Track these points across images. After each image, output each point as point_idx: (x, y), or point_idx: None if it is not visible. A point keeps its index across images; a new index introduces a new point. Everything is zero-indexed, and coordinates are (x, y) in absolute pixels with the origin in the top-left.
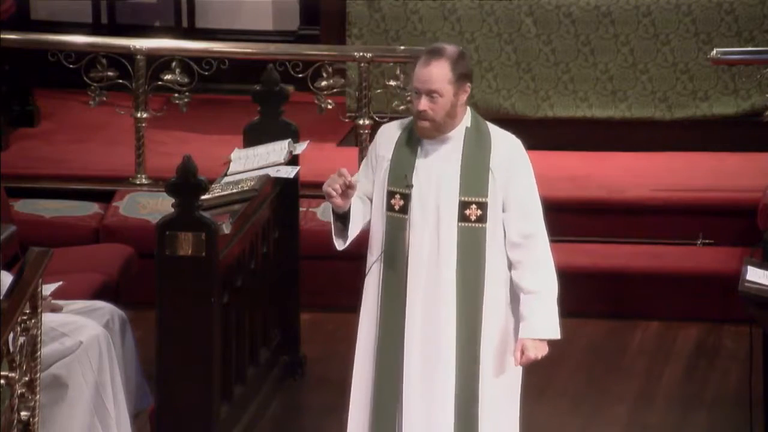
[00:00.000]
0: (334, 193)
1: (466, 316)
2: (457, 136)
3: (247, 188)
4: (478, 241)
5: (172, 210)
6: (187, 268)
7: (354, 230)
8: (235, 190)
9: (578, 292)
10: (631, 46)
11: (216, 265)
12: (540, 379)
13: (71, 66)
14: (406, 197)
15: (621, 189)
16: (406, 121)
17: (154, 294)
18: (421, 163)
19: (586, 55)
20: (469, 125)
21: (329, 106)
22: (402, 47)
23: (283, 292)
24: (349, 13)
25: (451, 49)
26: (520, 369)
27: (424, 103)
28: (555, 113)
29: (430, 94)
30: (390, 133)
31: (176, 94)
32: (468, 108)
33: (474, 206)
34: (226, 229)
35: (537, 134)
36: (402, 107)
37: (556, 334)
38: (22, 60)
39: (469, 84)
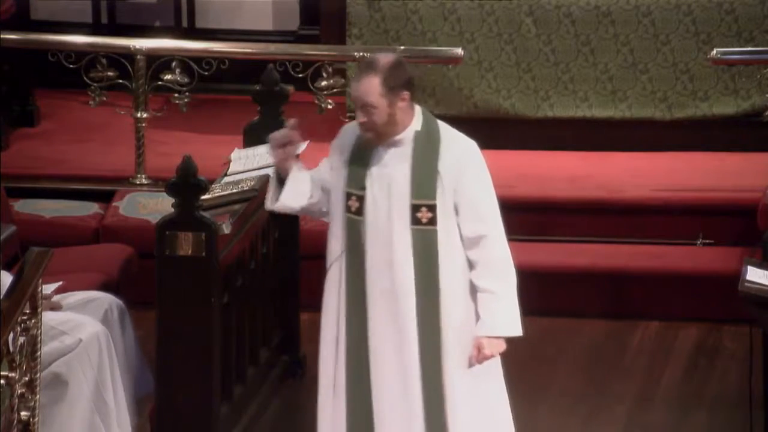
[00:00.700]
0: (273, 144)
1: (426, 317)
2: (406, 139)
3: (247, 188)
4: (430, 243)
5: (172, 210)
6: (187, 268)
7: (289, 194)
8: (235, 190)
9: (578, 292)
10: (631, 46)
11: (216, 265)
12: (540, 379)
13: (71, 66)
14: (361, 199)
15: (621, 189)
16: None
17: (154, 294)
18: (374, 166)
19: (586, 55)
20: (419, 128)
21: (329, 106)
22: (402, 47)
23: (283, 292)
24: (349, 13)
25: (384, 60)
26: (496, 363)
27: (361, 116)
28: (555, 113)
29: (365, 107)
30: (350, 134)
31: (176, 94)
32: (419, 110)
33: (424, 209)
34: (226, 229)
35: (537, 134)
36: None
37: (514, 331)
38: (22, 60)
39: (406, 92)
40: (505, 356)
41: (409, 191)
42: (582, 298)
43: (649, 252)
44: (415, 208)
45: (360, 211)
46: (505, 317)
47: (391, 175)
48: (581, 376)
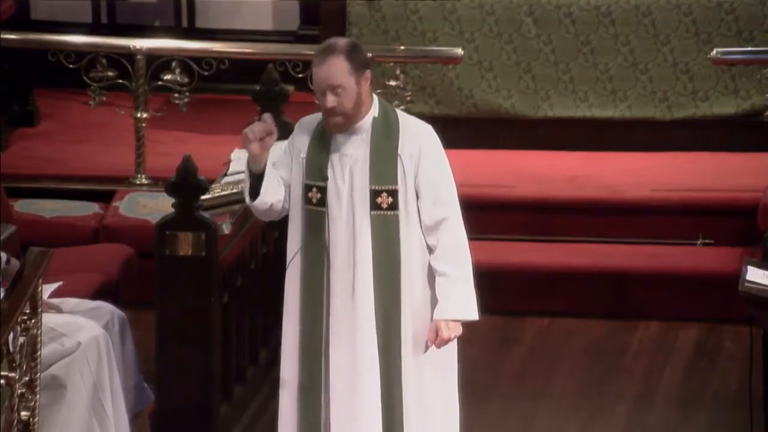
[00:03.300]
0: (251, 137)
1: (384, 303)
2: (365, 126)
3: None
4: (391, 228)
5: (172, 210)
6: (187, 268)
7: (267, 192)
8: (235, 190)
9: (578, 292)
10: (631, 46)
11: (216, 265)
12: (540, 379)
13: (71, 66)
14: (323, 190)
15: (621, 189)
16: (319, 115)
17: (154, 294)
18: (334, 156)
19: (586, 55)
20: (377, 115)
21: None
22: (402, 47)
23: (283, 292)
24: (349, 13)
25: (342, 42)
26: (451, 349)
27: (331, 100)
28: (555, 113)
29: (334, 89)
30: (306, 127)
31: (176, 94)
32: (376, 98)
33: (385, 194)
34: (226, 229)
35: (537, 134)
36: (402, 107)
37: (471, 315)
38: (22, 60)
39: (368, 71)
40: (505, 356)
41: (368, 176)
42: (582, 298)
43: (649, 252)
44: (374, 194)
45: (322, 202)
46: (463, 301)
47: (351, 163)
48: (581, 376)
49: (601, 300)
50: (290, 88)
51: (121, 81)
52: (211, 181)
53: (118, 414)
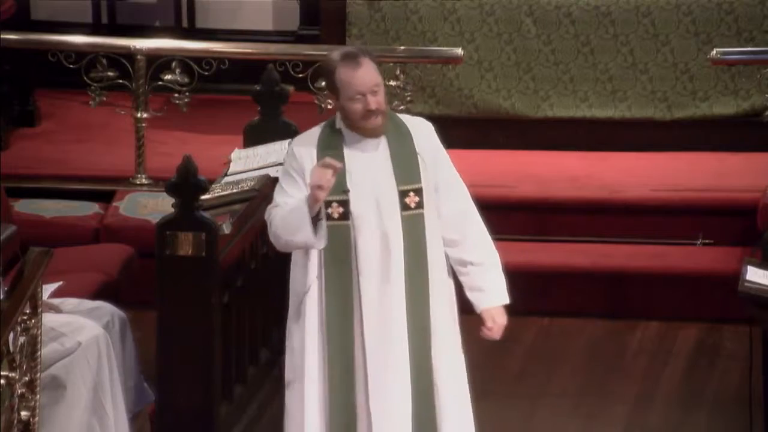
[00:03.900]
0: (326, 186)
1: (416, 305)
2: None
3: (247, 188)
4: (419, 227)
5: (172, 210)
6: (187, 268)
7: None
8: (235, 190)
9: (578, 292)
10: (631, 46)
11: (216, 265)
12: (540, 379)
13: (71, 66)
14: (345, 203)
15: (621, 189)
16: (314, 131)
17: (154, 294)
18: (351, 166)
19: (586, 55)
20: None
21: (329, 106)
22: (402, 47)
23: (283, 292)
24: (349, 13)
25: (357, 47)
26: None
27: (373, 101)
28: (555, 113)
29: (374, 90)
30: (305, 147)
31: (176, 94)
32: None
33: (412, 193)
34: (226, 229)
35: (537, 134)
36: (402, 107)
37: (507, 299)
38: (22, 60)
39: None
40: (505, 356)
41: (395, 178)
42: (582, 298)
43: (649, 252)
44: (403, 194)
45: (345, 215)
46: (503, 288)
47: (373, 168)
48: (581, 376)
49: (601, 300)
50: (290, 88)
51: (121, 81)
52: (211, 181)
53: (118, 414)
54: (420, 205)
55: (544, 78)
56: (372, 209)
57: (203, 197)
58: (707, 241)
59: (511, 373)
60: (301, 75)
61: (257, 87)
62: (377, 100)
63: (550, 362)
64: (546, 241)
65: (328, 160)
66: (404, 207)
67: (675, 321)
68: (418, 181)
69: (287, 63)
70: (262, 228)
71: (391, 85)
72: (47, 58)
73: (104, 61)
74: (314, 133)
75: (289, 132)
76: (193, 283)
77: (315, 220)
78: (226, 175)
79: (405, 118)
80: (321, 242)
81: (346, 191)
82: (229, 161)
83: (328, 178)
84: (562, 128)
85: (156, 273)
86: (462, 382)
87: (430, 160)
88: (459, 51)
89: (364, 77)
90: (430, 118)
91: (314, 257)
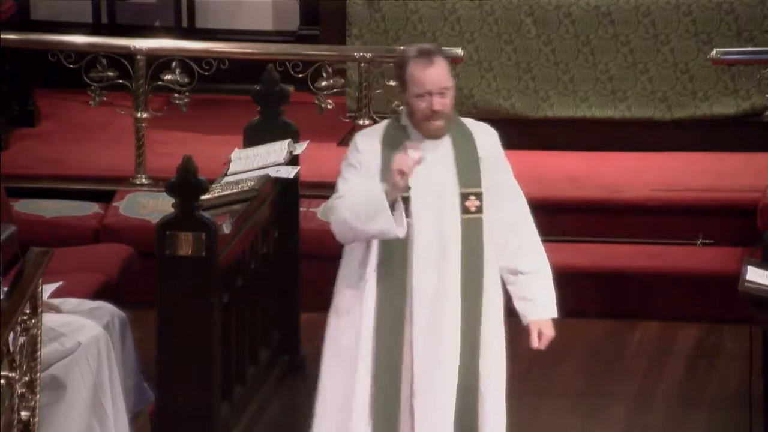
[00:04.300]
0: (409, 172)
1: (469, 310)
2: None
3: (247, 188)
4: (478, 232)
5: (172, 210)
6: (187, 268)
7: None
8: (235, 190)
9: (578, 292)
10: (631, 46)
11: (216, 265)
12: (540, 379)
13: (71, 66)
14: (406, 200)
15: (621, 189)
16: (379, 127)
17: (154, 294)
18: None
19: (586, 55)
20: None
21: (329, 106)
22: (402, 47)
23: (283, 292)
24: (349, 13)
25: (434, 46)
26: (504, 357)
27: (438, 102)
28: (555, 113)
29: (443, 92)
30: (370, 141)
31: (176, 94)
32: None
33: (473, 197)
34: (226, 229)
35: (537, 134)
36: (402, 107)
37: (555, 313)
38: (22, 60)
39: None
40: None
41: (457, 181)
42: (582, 298)
43: (649, 252)
44: (463, 197)
45: (406, 212)
46: (553, 299)
47: (436, 169)
48: (581, 376)
49: (601, 300)
50: (290, 88)
51: (121, 81)
52: (211, 181)
53: (118, 414)
54: (480, 209)
55: (544, 78)
56: (431, 209)
57: (203, 197)
58: (707, 241)
59: (511, 373)
60: (301, 75)
61: (257, 87)
62: (443, 102)
63: (550, 362)
64: (546, 241)
65: (411, 149)
66: (464, 210)
67: (675, 321)
68: (479, 185)
69: (287, 63)
70: (263, 228)
71: (391, 85)
72: (47, 58)
73: (104, 61)
74: (379, 127)
75: (288, 132)
76: (193, 283)
77: (392, 208)
78: (226, 175)
79: (469, 122)
80: (401, 230)
81: (407, 188)
82: (229, 161)
83: (410, 164)
84: (562, 128)
85: (156, 273)
86: (503, 388)
87: (491, 165)
88: (459, 51)
89: (434, 76)
90: None
91: (374, 252)
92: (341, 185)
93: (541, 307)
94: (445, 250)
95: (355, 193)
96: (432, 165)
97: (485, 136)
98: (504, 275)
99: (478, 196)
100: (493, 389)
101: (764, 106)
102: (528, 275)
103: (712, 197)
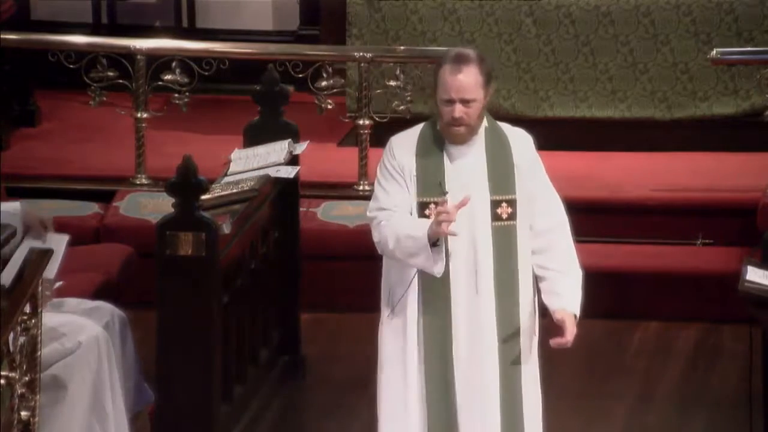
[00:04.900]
0: (449, 219)
1: (506, 316)
2: (479, 135)
3: (247, 188)
4: (510, 239)
5: (173, 210)
6: (187, 268)
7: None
8: (235, 190)
9: None
10: (631, 46)
11: (216, 265)
12: (540, 379)
13: (71, 66)
14: (441, 205)
15: (621, 189)
16: (414, 130)
17: (154, 294)
18: (449, 169)
19: (586, 55)
20: (487, 125)
21: (329, 106)
22: (402, 47)
23: (283, 292)
24: (349, 13)
25: (473, 53)
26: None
27: (459, 110)
28: (555, 113)
29: (466, 102)
30: (406, 145)
31: (176, 94)
32: None
33: (504, 204)
34: (226, 229)
35: (537, 134)
36: (402, 107)
37: (578, 311)
38: (22, 60)
39: (493, 84)
40: None
41: (488, 187)
42: (582, 298)
43: (649, 252)
44: (495, 204)
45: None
46: (579, 297)
47: (469, 174)
48: (581, 376)
49: (601, 300)
50: (290, 88)
51: (121, 81)
52: (211, 181)
53: (118, 414)
54: (512, 216)
55: (544, 78)
56: (463, 215)
57: (203, 197)
58: (707, 241)
59: None
60: (301, 75)
61: (257, 87)
62: (465, 111)
63: (550, 362)
64: None
65: (444, 206)
66: (495, 217)
67: (675, 321)
68: (513, 192)
69: (287, 63)
70: (263, 228)
71: (391, 85)
72: (47, 58)
73: (104, 61)
74: (414, 131)
75: (288, 132)
76: (193, 283)
77: (432, 245)
78: (226, 175)
79: (506, 127)
80: (439, 268)
81: (444, 193)
82: (229, 161)
83: (453, 214)
84: (562, 128)
85: (156, 273)
86: (539, 395)
87: (527, 172)
88: None
89: (460, 84)
90: (429, 118)
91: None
92: (382, 196)
93: (566, 300)
94: (477, 257)
95: (403, 225)
96: (465, 169)
97: (521, 143)
98: (536, 271)
99: (511, 203)
100: (532, 399)
101: (764, 106)
102: (558, 272)
103: (712, 197)
